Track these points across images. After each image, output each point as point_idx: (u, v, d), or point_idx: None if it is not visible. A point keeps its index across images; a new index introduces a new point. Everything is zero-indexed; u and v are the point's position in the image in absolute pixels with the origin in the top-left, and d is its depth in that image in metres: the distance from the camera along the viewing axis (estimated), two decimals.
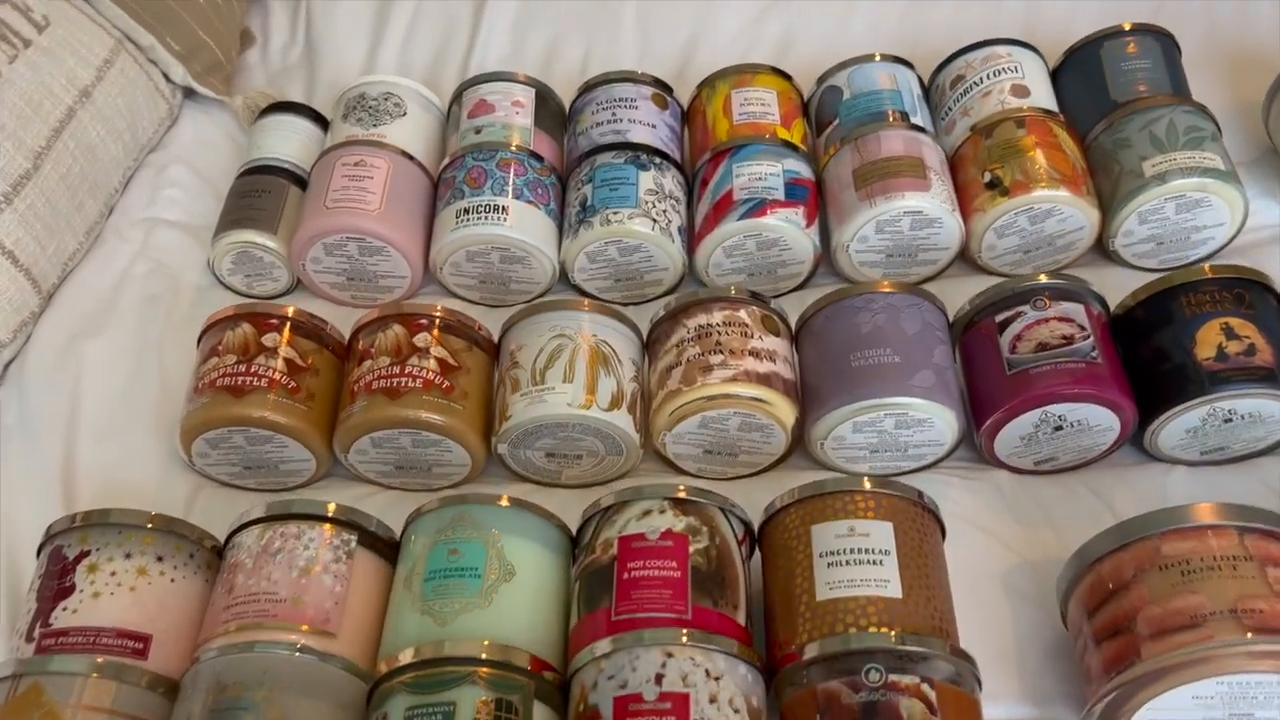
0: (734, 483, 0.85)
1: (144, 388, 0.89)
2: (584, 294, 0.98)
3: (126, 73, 1.06)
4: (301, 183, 1.00)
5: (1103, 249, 0.94)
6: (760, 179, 0.93)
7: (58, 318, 0.93)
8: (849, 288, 0.81)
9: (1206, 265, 0.76)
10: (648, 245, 0.93)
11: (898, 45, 1.19)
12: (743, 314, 0.80)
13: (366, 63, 1.21)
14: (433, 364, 0.79)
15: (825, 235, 0.96)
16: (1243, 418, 0.75)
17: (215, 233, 0.97)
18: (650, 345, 0.84)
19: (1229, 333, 0.73)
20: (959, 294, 0.85)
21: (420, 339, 0.80)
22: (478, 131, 1.00)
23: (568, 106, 1.06)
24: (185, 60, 1.12)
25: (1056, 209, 0.90)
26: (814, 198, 0.95)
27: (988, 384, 0.77)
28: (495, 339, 0.85)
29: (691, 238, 0.95)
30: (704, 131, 1.02)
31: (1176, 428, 0.77)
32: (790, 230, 0.91)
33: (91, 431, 0.86)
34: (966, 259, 0.96)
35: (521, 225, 0.93)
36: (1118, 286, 0.93)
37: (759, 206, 0.91)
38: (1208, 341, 0.73)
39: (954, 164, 0.96)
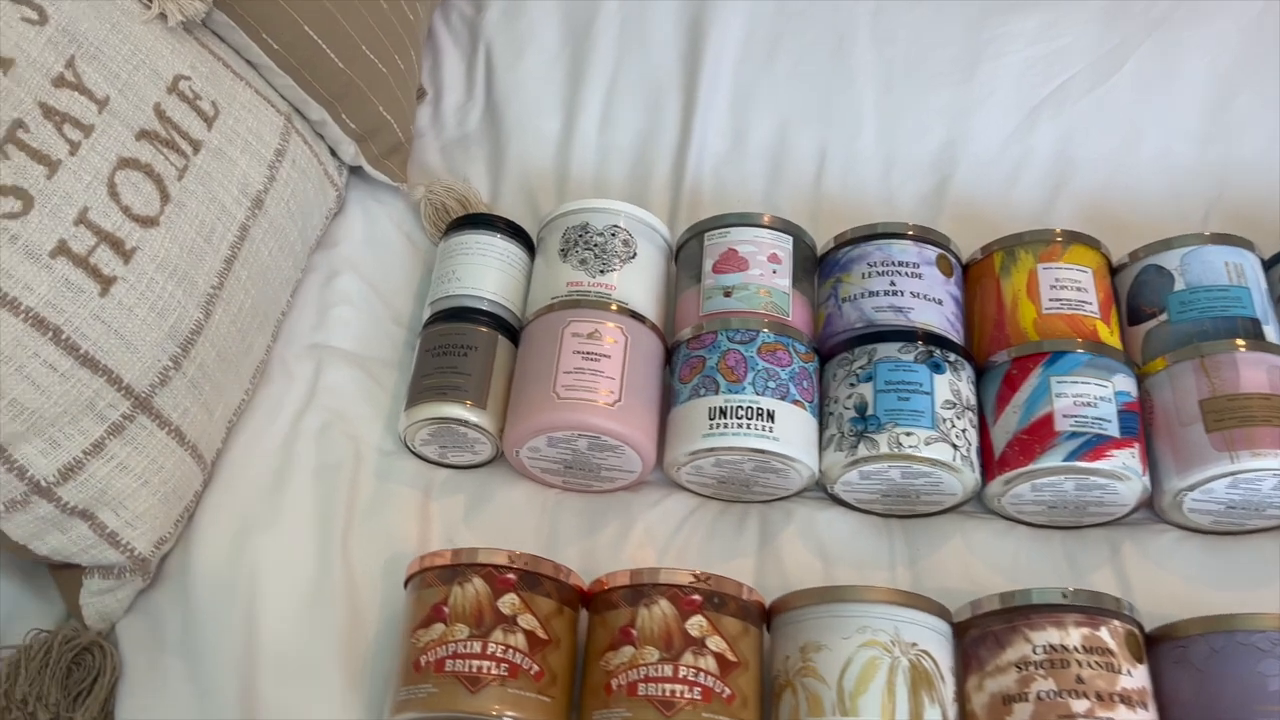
0: None
1: (329, 604, 0.73)
2: (840, 502, 0.81)
3: (298, 163, 0.89)
4: (509, 330, 0.84)
5: None
6: (1090, 405, 0.75)
7: (221, 496, 0.77)
8: (1243, 618, 0.64)
9: None
10: (940, 472, 0.76)
11: (1199, 175, 1.01)
12: (1104, 634, 0.64)
13: (562, 143, 1.03)
14: (710, 663, 0.63)
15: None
16: None
17: (410, 399, 0.80)
18: (966, 643, 0.68)
19: None
20: None
21: (694, 625, 0.64)
22: (727, 294, 0.82)
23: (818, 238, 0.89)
24: (361, 141, 0.94)
25: None
26: (1142, 426, 0.78)
27: None
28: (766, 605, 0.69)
29: (985, 455, 0.78)
30: (998, 310, 0.84)
31: None
32: (1125, 476, 0.74)
33: (272, 667, 0.70)
34: None
35: (789, 436, 0.76)
36: None
37: (1092, 446, 0.74)
38: None
39: None
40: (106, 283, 0.68)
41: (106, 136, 0.71)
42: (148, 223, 0.72)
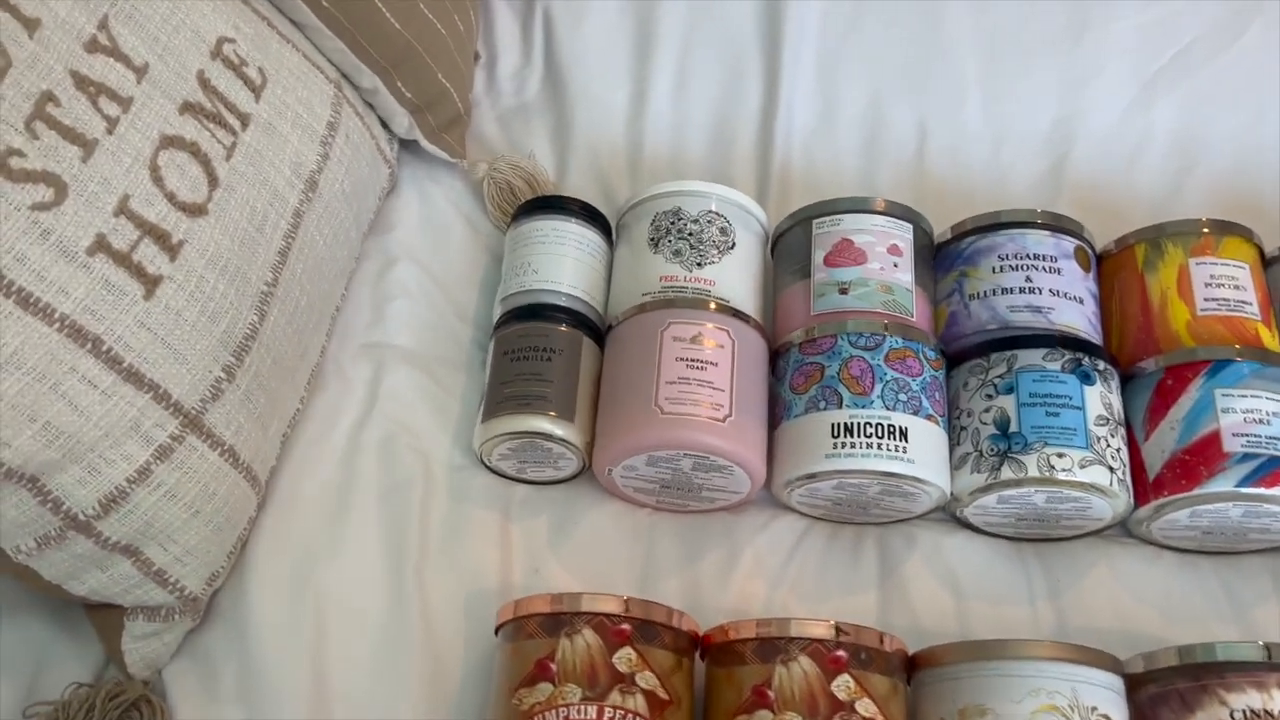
0: None
1: (406, 646, 0.64)
2: (967, 526, 0.73)
3: (351, 138, 0.79)
4: (592, 329, 0.74)
5: None
6: (1262, 422, 0.67)
7: (277, 522, 0.67)
8: None
9: None
10: (1092, 497, 0.68)
11: None
12: None
13: (633, 115, 0.93)
14: None
15: None
16: None
17: (487, 409, 0.71)
18: (1141, 701, 0.59)
19: None
20: None
21: (841, 687, 0.56)
22: (843, 290, 0.73)
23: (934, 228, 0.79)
24: (418, 112, 0.84)
25: None
26: None
27: None
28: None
29: (1135, 476, 0.70)
30: (1143, 310, 0.75)
31: None
32: None
33: (345, 714, 0.62)
34: None
35: (924, 457, 0.67)
36: None
37: (1269, 469, 0.65)
38: None
39: None
40: (151, 283, 0.59)
41: (147, 111, 0.61)
42: (195, 211, 0.62)
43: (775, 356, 0.74)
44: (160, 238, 0.59)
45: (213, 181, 0.64)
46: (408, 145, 0.88)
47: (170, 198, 0.61)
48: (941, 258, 0.78)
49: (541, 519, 0.72)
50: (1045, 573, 0.71)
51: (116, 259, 0.57)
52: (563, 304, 0.75)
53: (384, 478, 0.71)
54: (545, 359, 0.71)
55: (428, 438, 0.74)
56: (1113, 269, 0.78)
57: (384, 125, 0.86)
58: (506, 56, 0.98)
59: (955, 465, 0.70)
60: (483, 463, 0.73)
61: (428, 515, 0.70)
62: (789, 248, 0.78)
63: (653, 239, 0.76)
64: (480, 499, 0.72)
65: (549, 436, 0.69)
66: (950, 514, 0.73)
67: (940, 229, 0.80)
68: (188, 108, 0.63)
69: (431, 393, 0.76)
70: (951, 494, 0.70)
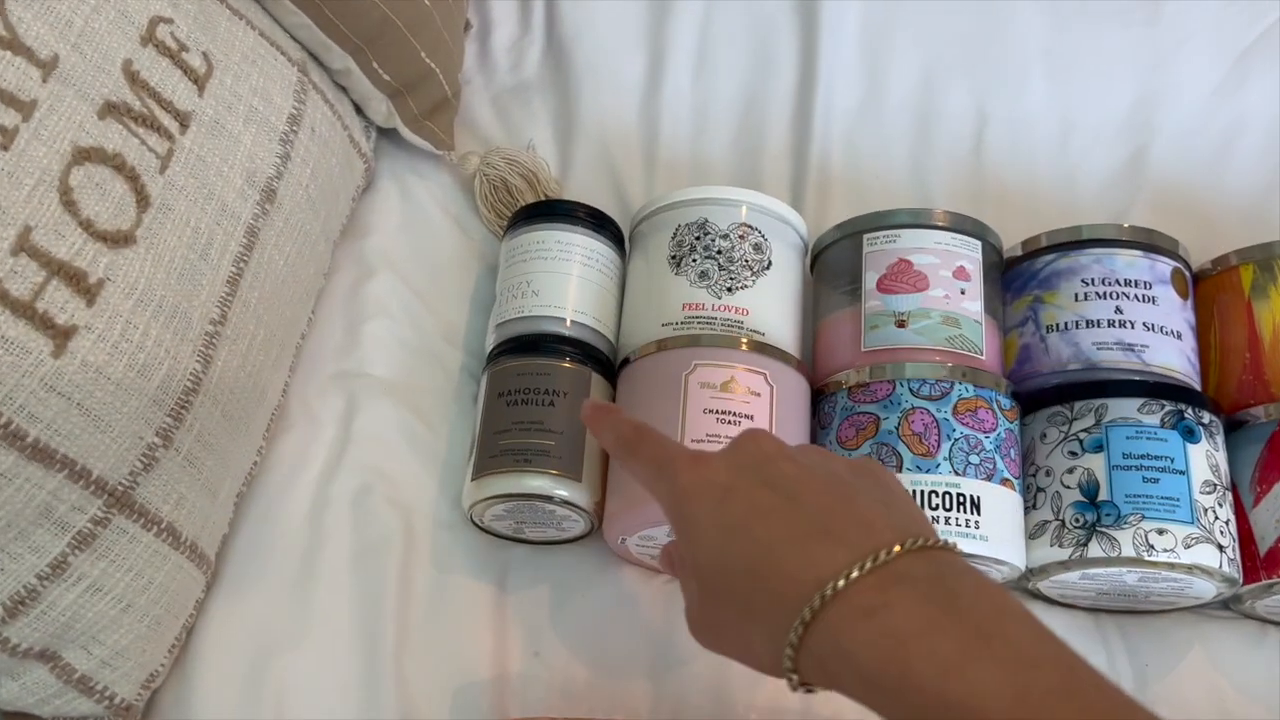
0: None
1: None
2: (1036, 596, 0.63)
3: (318, 131, 0.67)
4: (602, 362, 0.63)
5: None
6: None
7: (230, 602, 0.57)
8: None
9: None
10: (1195, 578, 0.57)
11: None
12: None
13: (648, 94, 0.81)
14: None
15: None
16: None
17: (479, 464, 0.60)
18: None
19: None
20: None
21: None
22: (900, 323, 0.62)
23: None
24: (397, 96, 0.72)
25: None
26: None
27: None
28: None
29: (1240, 546, 0.59)
30: (1252, 345, 0.63)
31: None
32: None
33: None
34: None
35: (998, 532, 0.56)
36: None
37: None
38: None
39: None
40: (62, 336, 0.47)
41: (56, 116, 0.49)
42: (119, 241, 0.50)
43: (817, 395, 0.63)
44: (73, 278, 0.48)
45: (142, 201, 0.52)
46: (387, 134, 0.76)
47: (87, 226, 0.49)
48: (1011, 277, 0.67)
49: (543, 587, 0.61)
50: (1130, 654, 0.61)
51: (15, 309, 0.46)
52: (567, 333, 0.63)
53: (357, 540, 0.60)
54: (547, 403, 0.60)
55: (409, 488, 0.63)
56: (1210, 292, 0.66)
57: (359, 111, 0.74)
58: (502, 25, 0.85)
59: (1031, 533, 0.59)
60: (474, 522, 0.62)
61: (408, 587, 0.59)
62: (834, 265, 0.66)
63: (674, 256, 0.64)
64: (470, 564, 0.61)
65: (551, 499, 0.59)
66: (1018, 585, 0.62)
67: (1003, 234, 0.68)
68: (110, 109, 0.52)
69: (414, 432, 0.65)
70: (1027, 567, 0.59)
